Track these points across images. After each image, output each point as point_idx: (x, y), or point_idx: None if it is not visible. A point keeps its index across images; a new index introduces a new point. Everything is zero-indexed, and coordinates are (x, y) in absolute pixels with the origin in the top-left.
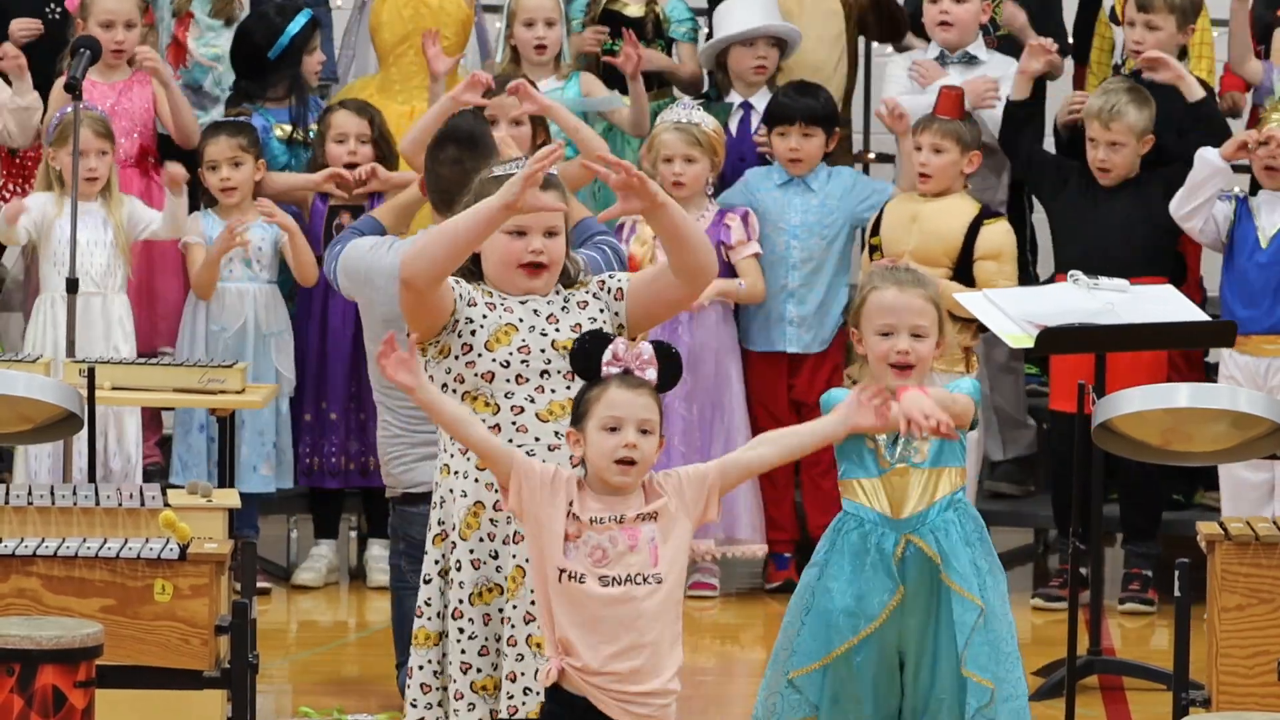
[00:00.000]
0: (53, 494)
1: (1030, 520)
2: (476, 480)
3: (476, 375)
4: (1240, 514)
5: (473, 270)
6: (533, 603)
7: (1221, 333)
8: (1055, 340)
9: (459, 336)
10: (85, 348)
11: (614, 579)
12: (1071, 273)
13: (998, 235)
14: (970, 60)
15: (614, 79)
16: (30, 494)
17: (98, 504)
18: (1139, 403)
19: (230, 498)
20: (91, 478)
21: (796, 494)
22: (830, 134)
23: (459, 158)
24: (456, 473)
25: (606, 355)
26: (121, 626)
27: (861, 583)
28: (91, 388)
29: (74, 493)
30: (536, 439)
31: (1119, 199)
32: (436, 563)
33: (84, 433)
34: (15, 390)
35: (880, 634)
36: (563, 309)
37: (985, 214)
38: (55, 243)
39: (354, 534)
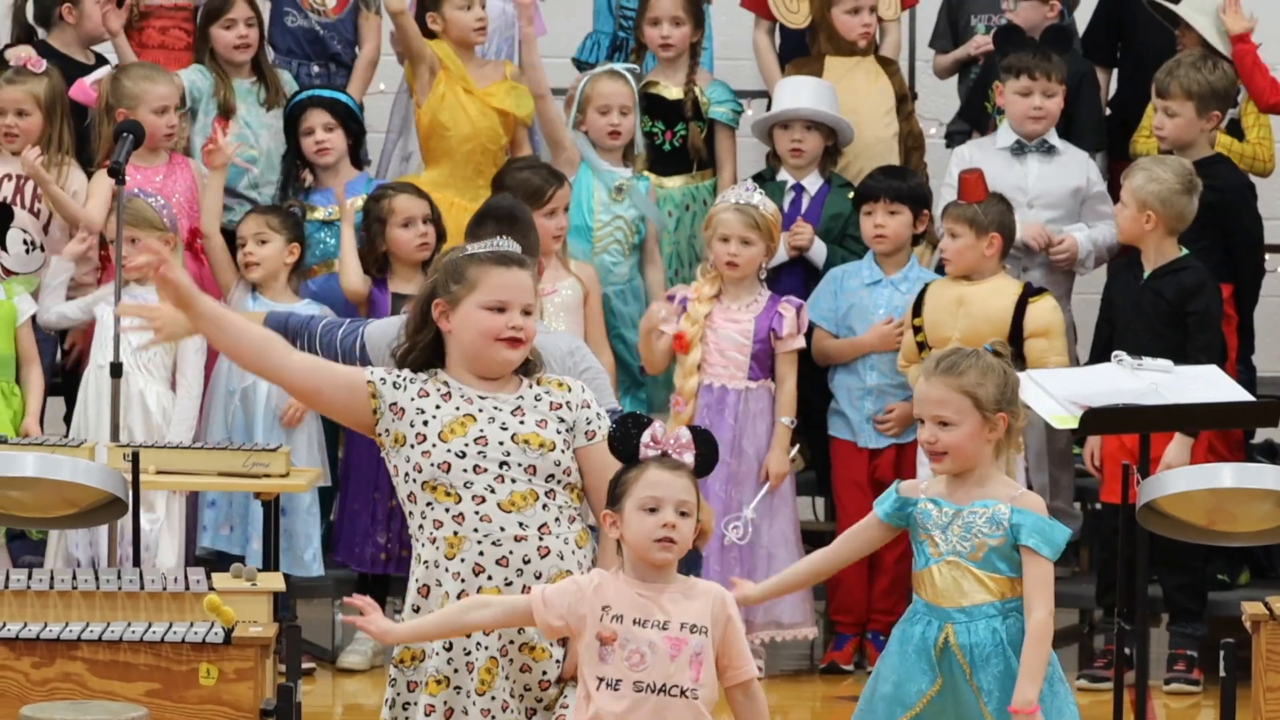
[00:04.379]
0: (97, 577)
1: (1075, 601)
2: (446, 570)
3: (433, 465)
4: None
5: (432, 360)
6: (493, 697)
7: (1267, 413)
8: (1100, 421)
9: (411, 426)
10: (126, 432)
11: (649, 686)
12: (1115, 353)
13: (1045, 312)
14: (1049, 150)
15: (658, 160)
16: (75, 578)
17: (142, 588)
18: (1184, 483)
19: (275, 581)
20: (136, 562)
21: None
22: (918, 215)
23: (498, 233)
24: (427, 563)
25: (645, 438)
26: (166, 710)
27: (903, 670)
28: (136, 472)
29: (118, 576)
30: (502, 529)
31: (1152, 285)
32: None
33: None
34: (60, 475)
35: None
36: (533, 405)
37: (1030, 292)
38: (102, 327)
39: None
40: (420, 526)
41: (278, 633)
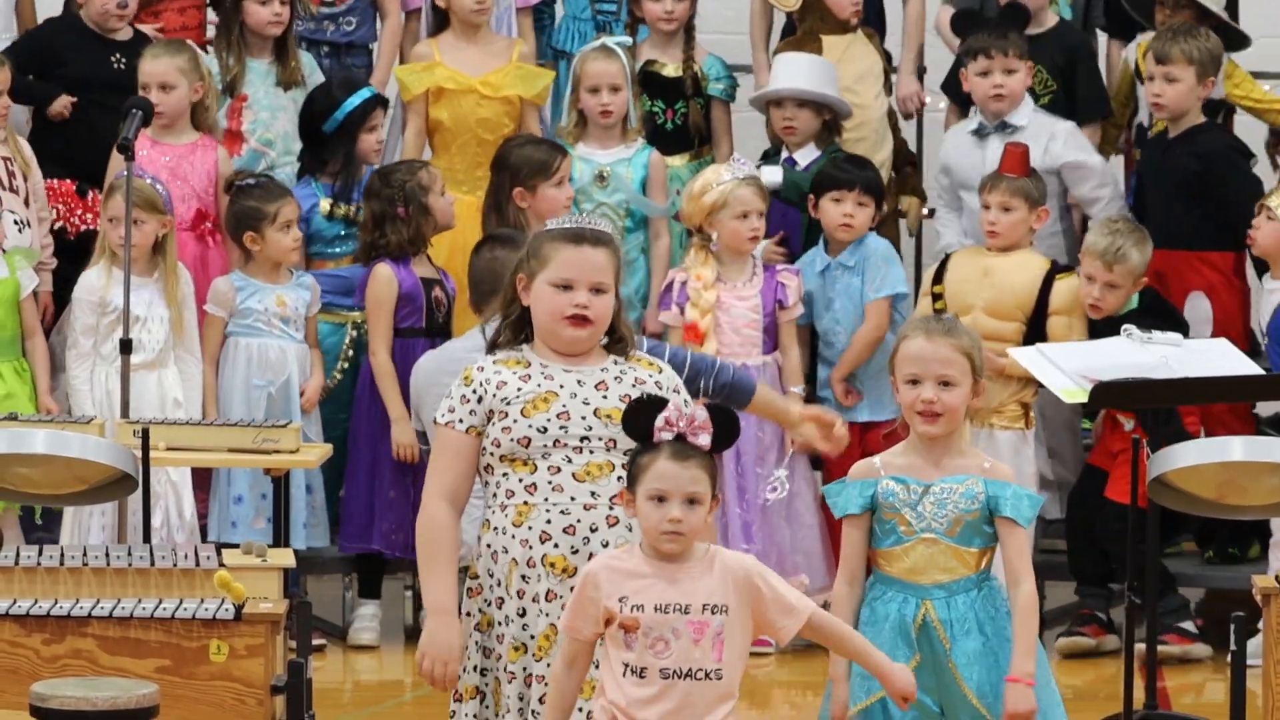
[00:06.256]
0: (108, 555)
1: None
2: (513, 536)
3: (513, 440)
4: None
5: (522, 334)
6: None
7: (1277, 386)
8: (1110, 394)
9: (496, 407)
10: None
11: (675, 672)
12: (1125, 327)
13: (1071, 290)
14: (1009, 130)
15: (659, 138)
16: (85, 555)
17: (153, 564)
18: (1194, 456)
19: (285, 557)
20: (146, 538)
21: None
22: (879, 209)
23: (493, 253)
24: (497, 529)
25: (659, 420)
26: (177, 687)
27: (880, 646)
28: (145, 448)
29: (129, 553)
30: (572, 498)
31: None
32: (470, 615)
33: (139, 493)
34: (70, 451)
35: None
36: (616, 379)
37: (1057, 269)
38: (109, 313)
39: (409, 593)
40: (494, 495)
41: (288, 609)
